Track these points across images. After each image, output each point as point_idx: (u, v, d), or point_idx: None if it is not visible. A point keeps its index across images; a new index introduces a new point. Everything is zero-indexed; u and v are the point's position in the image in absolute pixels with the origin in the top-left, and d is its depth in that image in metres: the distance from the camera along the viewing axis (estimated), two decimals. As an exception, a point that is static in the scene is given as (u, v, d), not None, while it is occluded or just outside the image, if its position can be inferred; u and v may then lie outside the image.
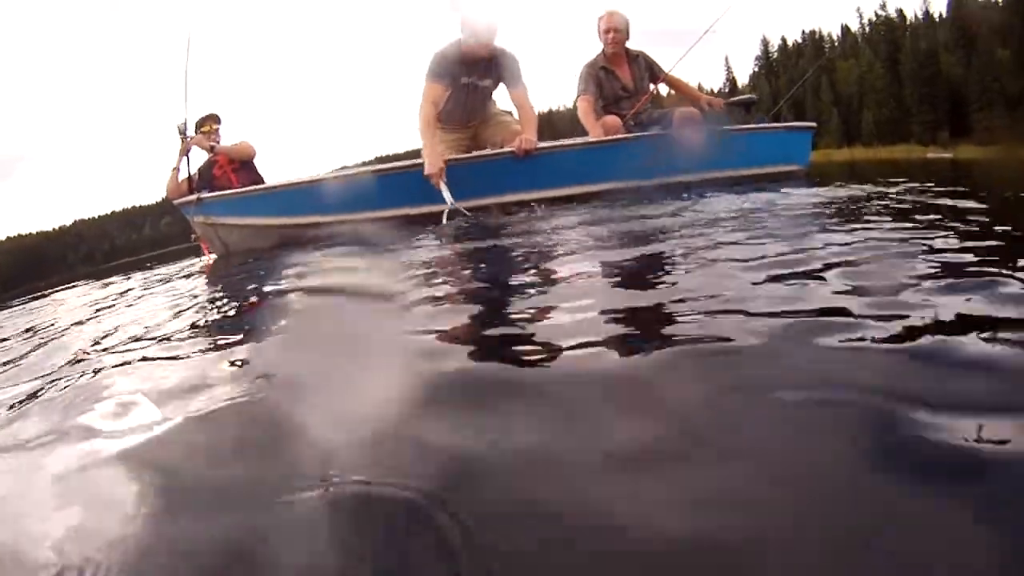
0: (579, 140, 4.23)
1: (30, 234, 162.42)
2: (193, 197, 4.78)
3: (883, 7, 65.23)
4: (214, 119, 5.40)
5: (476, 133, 4.42)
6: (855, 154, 40.31)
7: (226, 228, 4.76)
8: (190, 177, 5.04)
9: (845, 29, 66.14)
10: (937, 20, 60.62)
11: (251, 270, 3.47)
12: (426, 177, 3.72)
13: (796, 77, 58.14)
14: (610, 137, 4.03)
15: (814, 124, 4.28)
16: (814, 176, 4.23)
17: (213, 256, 5.06)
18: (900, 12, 63.93)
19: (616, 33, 4.32)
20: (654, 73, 4.53)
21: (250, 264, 3.86)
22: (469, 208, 3.73)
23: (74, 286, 9.19)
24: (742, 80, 71.14)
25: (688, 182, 3.71)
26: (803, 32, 68.59)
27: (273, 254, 4.06)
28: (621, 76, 4.41)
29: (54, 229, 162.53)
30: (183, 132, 5.02)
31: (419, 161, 3.83)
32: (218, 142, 5.30)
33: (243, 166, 5.30)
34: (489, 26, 3.97)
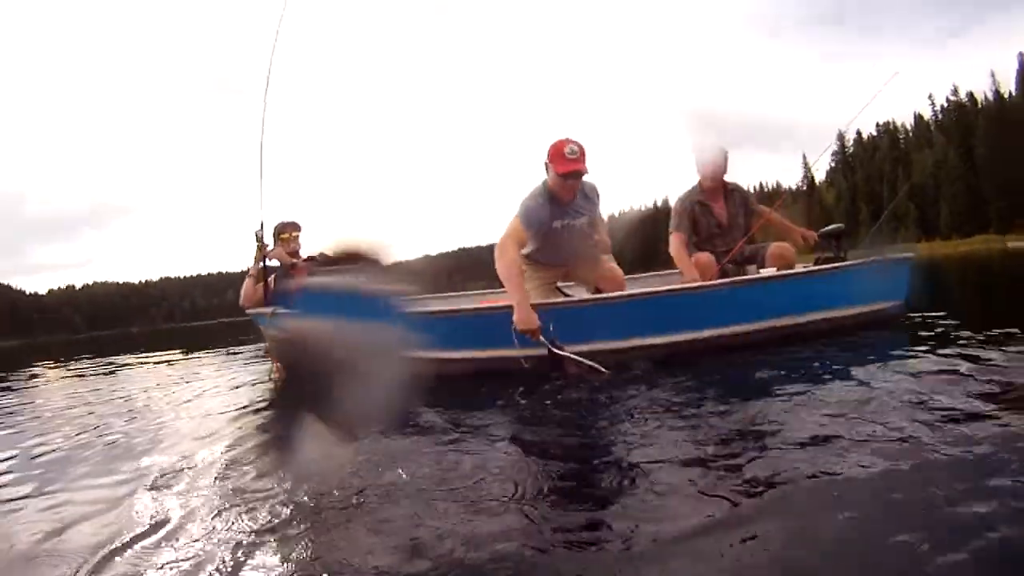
0: (671, 287, 3.90)
1: (115, 283, 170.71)
2: (268, 310, 4.61)
3: (955, 92, 64.23)
4: (294, 227, 5.20)
5: (568, 274, 4.19)
6: (934, 249, 39.22)
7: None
8: (267, 284, 4.85)
9: (918, 118, 65.23)
10: (1007, 98, 59.17)
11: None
12: (522, 332, 3.37)
13: (873, 172, 57.48)
14: (702, 283, 3.83)
15: (911, 254, 3.99)
16: (906, 319, 4.00)
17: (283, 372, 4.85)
18: (971, 95, 62.77)
19: (715, 167, 4.30)
20: (748, 207, 4.45)
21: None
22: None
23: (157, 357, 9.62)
24: (819, 176, 70.85)
25: (778, 328, 3.62)
26: (877, 124, 67.92)
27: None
28: (716, 211, 4.34)
29: (140, 282, 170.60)
30: (260, 239, 4.85)
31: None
32: (298, 251, 5.11)
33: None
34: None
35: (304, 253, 5.13)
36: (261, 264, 4.84)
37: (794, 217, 4.71)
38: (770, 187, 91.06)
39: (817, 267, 3.98)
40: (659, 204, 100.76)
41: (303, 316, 4.04)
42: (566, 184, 3.67)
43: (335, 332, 3.80)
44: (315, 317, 3.96)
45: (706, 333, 3.57)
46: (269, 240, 4.95)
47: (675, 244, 4.22)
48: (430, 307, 4.44)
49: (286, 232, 5.08)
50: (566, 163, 3.60)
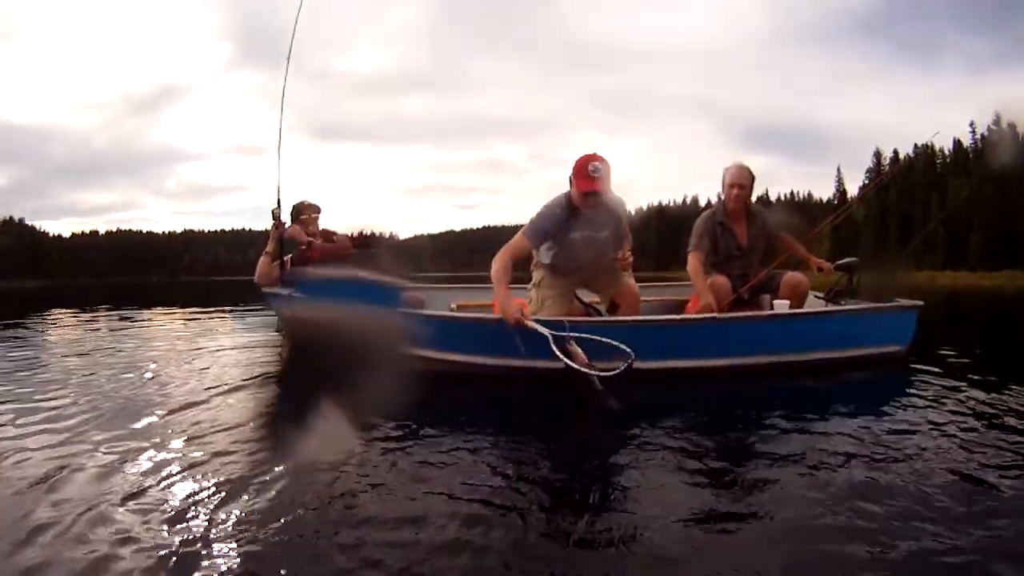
0: (677, 317, 4.03)
1: (138, 231, 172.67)
2: (284, 291, 4.63)
3: (996, 122, 62.96)
4: (314, 209, 5.18)
5: (587, 280, 4.20)
6: (958, 279, 38.77)
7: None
8: (283, 264, 4.73)
9: (957, 143, 64.04)
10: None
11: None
12: (513, 323, 3.45)
13: (905, 191, 56.65)
14: (714, 315, 3.85)
15: (921, 302, 4.05)
16: (912, 354, 4.13)
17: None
18: (1012, 127, 61.60)
19: (741, 189, 4.29)
20: (768, 231, 4.47)
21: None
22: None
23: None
24: (852, 190, 70.05)
25: (783, 363, 3.72)
26: (915, 145, 66.84)
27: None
28: (738, 233, 4.36)
29: (163, 233, 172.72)
30: (277, 218, 4.75)
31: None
32: (316, 234, 5.07)
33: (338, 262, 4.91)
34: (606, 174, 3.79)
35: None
36: (277, 242, 4.75)
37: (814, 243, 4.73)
38: (802, 196, 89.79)
39: (827, 309, 4.09)
40: (687, 201, 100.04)
41: (315, 302, 4.22)
42: (586, 201, 3.72)
43: (344, 319, 3.94)
44: (326, 304, 4.11)
45: (712, 363, 3.65)
46: (287, 218, 4.91)
47: (692, 264, 4.23)
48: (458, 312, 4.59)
49: (305, 213, 5.07)
50: (587, 182, 3.65)
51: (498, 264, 3.72)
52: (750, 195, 4.40)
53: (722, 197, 4.43)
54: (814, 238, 4.96)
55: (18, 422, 2.89)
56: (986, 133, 61.76)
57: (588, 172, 3.64)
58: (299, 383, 3.95)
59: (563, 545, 1.64)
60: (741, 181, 4.30)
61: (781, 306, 3.94)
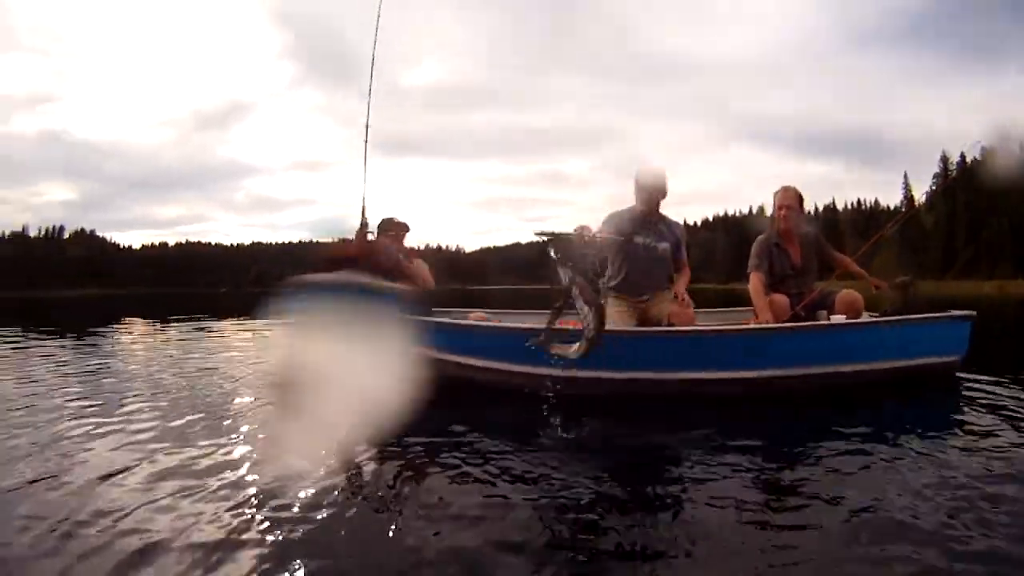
0: (743, 327, 4.22)
1: (207, 243, 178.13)
2: None
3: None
4: (403, 227, 5.07)
5: (647, 310, 4.33)
6: (1020, 286, 37.28)
7: None
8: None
9: (1026, 146, 61.39)
10: None
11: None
12: None
13: (973, 200, 54.64)
14: (776, 325, 4.02)
15: (973, 313, 4.06)
16: (971, 364, 4.20)
17: None
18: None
19: (788, 210, 4.43)
20: (822, 250, 4.58)
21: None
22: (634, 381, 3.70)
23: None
24: (919, 197, 67.98)
25: (838, 374, 3.80)
26: (983, 148, 64.41)
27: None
28: (791, 253, 4.46)
29: (232, 245, 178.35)
30: (365, 227, 4.82)
31: None
32: (403, 252, 4.97)
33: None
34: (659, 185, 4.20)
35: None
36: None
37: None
38: (869, 204, 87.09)
39: (883, 318, 4.13)
40: (752, 211, 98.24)
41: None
42: (642, 196, 4.23)
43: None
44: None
45: (768, 373, 3.75)
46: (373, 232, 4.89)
47: (754, 283, 4.37)
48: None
49: (393, 230, 4.99)
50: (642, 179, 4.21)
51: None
52: (799, 214, 4.52)
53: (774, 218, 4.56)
54: (879, 243, 5.09)
55: (96, 423, 3.24)
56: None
57: (646, 172, 4.20)
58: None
59: (619, 549, 1.77)
60: (788, 202, 4.45)
61: (837, 322, 4.04)
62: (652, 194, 4.26)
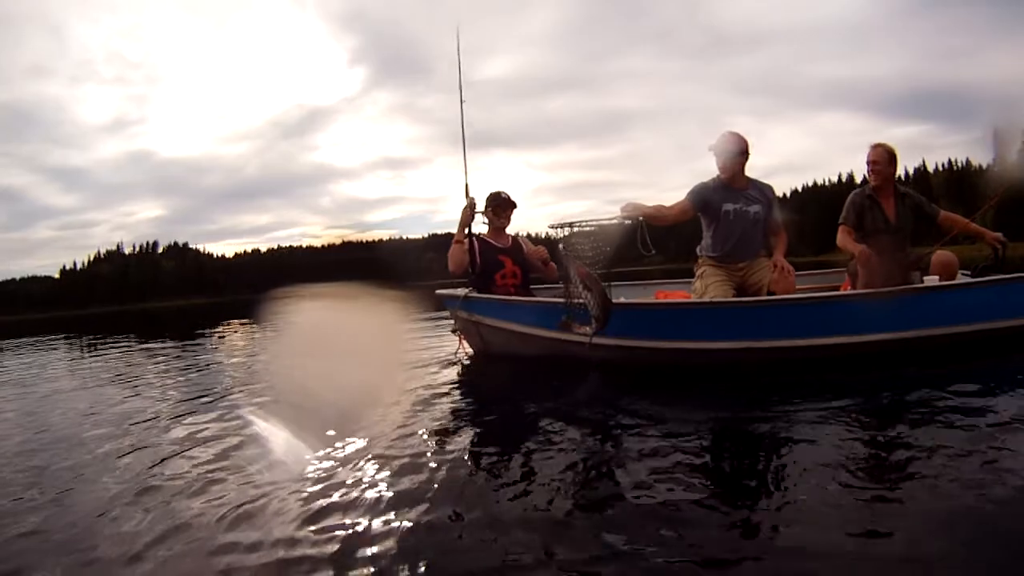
0: (830, 293, 4.16)
1: (297, 247, 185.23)
2: (461, 292, 4.83)
3: None
4: (510, 205, 5.09)
5: (744, 278, 4.27)
6: None
7: (489, 329, 4.75)
8: (473, 252, 4.88)
9: None
10: None
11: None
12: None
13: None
14: (866, 292, 3.86)
15: None
16: None
17: (468, 350, 5.17)
18: None
19: (876, 165, 4.34)
20: (924, 213, 4.43)
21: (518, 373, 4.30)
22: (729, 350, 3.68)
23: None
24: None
25: (933, 337, 3.64)
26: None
27: (537, 365, 4.32)
28: (885, 209, 4.36)
29: (324, 246, 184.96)
30: (472, 206, 4.93)
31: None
32: (505, 228, 5.09)
33: (527, 263, 5.03)
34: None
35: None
36: (467, 231, 4.90)
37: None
38: (960, 164, 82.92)
39: (983, 279, 3.91)
40: (842, 179, 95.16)
41: (489, 315, 4.61)
42: (719, 162, 4.24)
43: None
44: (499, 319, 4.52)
45: (869, 338, 3.63)
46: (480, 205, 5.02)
47: (841, 236, 4.38)
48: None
49: (500, 207, 5.03)
50: (718, 142, 4.22)
51: (662, 208, 4.19)
52: (891, 172, 4.40)
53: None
54: (987, 209, 4.89)
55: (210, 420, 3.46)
56: None
57: (724, 138, 4.21)
58: (482, 386, 4.30)
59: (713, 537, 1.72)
60: (875, 158, 4.36)
61: (931, 283, 3.89)
62: (729, 159, 4.22)
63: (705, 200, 4.24)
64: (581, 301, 3.59)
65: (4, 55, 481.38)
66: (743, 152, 4.22)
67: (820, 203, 78.01)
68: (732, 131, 4.21)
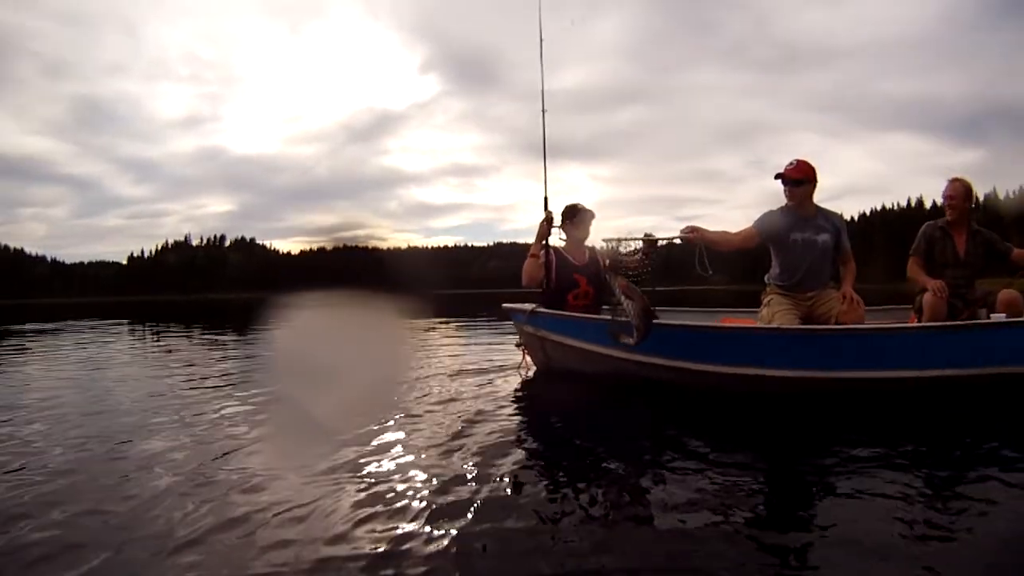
0: (907, 325, 4.04)
1: (363, 248, 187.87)
2: (527, 307, 4.87)
3: None
4: (588, 216, 4.97)
5: (812, 308, 4.21)
6: None
7: (553, 344, 4.74)
8: (549, 267, 4.79)
9: None
10: None
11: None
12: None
13: None
14: (941, 323, 3.87)
15: None
16: None
17: (532, 365, 5.20)
18: None
19: (952, 200, 4.37)
20: (996, 251, 4.40)
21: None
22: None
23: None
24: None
25: (1007, 375, 3.54)
26: None
27: (599, 383, 4.38)
28: (957, 243, 4.37)
29: (388, 249, 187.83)
30: (549, 218, 4.84)
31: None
32: (584, 241, 4.96)
33: (602, 282, 4.65)
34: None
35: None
36: (543, 243, 4.79)
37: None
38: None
39: None
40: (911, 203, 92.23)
41: (554, 331, 4.70)
42: (785, 191, 4.20)
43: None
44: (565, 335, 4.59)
45: (934, 373, 3.56)
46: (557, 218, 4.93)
47: (911, 266, 4.42)
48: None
49: (579, 216, 4.93)
50: (786, 171, 4.18)
51: (727, 235, 4.22)
52: (968, 207, 4.42)
53: None
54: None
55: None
56: None
57: (786, 167, 4.17)
58: (542, 401, 4.33)
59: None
60: (952, 193, 4.38)
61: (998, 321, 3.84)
62: (795, 189, 4.18)
63: (772, 228, 4.23)
64: (624, 310, 3.77)
65: (83, 52, 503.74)
66: (805, 181, 4.18)
67: (889, 228, 75.76)
68: (798, 159, 4.20)
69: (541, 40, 5.10)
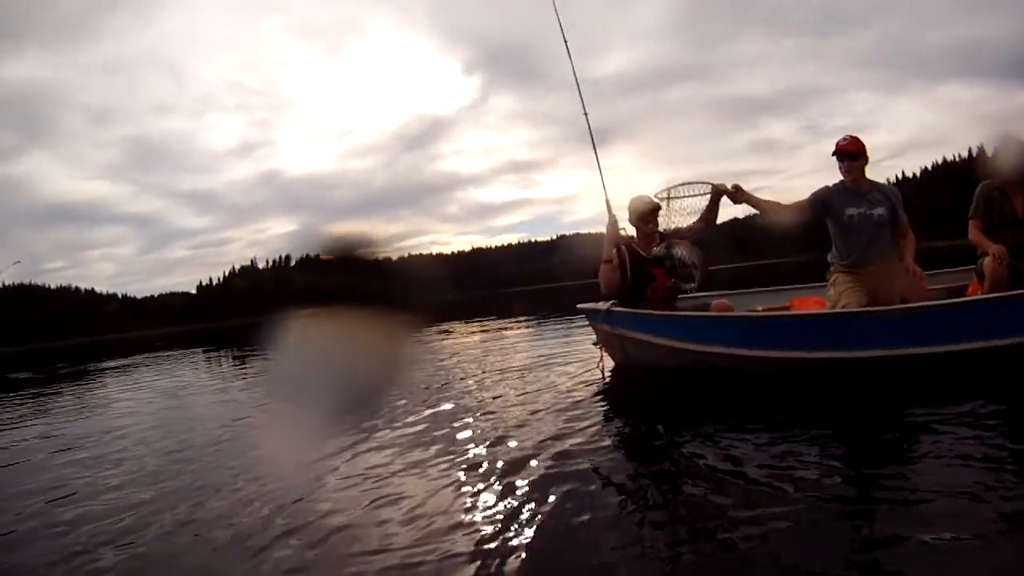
0: (966, 299, 4.03)
1: (428, 254, 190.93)
2: (603, 306, 4.89)
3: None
4: (654, 209, 4.85)
5: (878, 284, 4.17)
6: None
7: (631, 342, 4.77)
8: (624, 267, 4.76)
9: None
10: None
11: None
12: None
13: None
14: (998, 295, 3.77)
15: None
16: None
17: (610, 363, 5.18)
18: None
19: (1009, 162, 4.18)
20: None
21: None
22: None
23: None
24: None
25: None
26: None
27: (679, 378, 4.41)
28: (1015, 202, 4.21)
29: (453, 252, 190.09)
30: (615, 223, 4.87)
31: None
32: (655, 235, 4.86)
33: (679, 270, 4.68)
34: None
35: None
36: (615, 249, 4.75)
37: None
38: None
39: None
40: (972, 153, 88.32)
41: (631, 328, 4.87)
42: (842, 166, 4.27)
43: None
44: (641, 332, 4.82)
45: (994, 344, 3.54)
46: (622, 216, 4.93)
47: (972, 230, 4.24)
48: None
49: (646, 214, 4.85)
50: (838, 146, 4.26)
51: (780, 206, 4.42)
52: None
53: None
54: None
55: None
56: None
57: (839, 141, 4.26)
58: (622, 400, 4.38)
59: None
60: (1008, 153, 4.23)
61: None
62: (852, 163, 4.23)
63: (826, 204, 4.29)
64: (681, 260, 4.42)
65: (126, 97, 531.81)
66: (856, 156, 4.22)
67: (952, 183, 72.42)
68: (847, 135, 4.25)
69: (565, 41, 5.38)
